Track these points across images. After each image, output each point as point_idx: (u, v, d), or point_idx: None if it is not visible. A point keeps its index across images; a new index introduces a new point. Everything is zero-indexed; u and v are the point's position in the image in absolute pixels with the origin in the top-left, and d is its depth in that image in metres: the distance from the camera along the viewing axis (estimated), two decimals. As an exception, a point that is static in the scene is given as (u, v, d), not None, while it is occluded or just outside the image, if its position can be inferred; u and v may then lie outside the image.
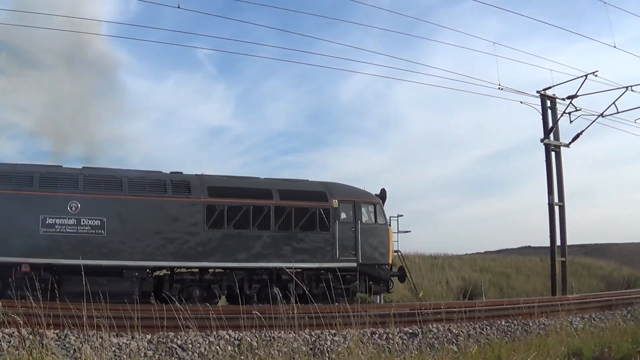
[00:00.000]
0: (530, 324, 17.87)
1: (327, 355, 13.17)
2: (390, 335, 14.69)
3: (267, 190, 24.70)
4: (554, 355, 11.93)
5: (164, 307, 12.86)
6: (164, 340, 12.14)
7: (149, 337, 12.21)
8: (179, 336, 12.48)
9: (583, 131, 31.08)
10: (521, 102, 30.53)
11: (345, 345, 12.86)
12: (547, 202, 30.70)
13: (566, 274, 30.10)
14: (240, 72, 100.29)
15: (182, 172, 24.66)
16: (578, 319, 19.48)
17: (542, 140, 30.89)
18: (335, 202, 25.39)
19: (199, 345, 12.31)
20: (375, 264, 25.72)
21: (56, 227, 21.44)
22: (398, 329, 15.24)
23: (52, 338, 11.07)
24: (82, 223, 21.74)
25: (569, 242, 31.56)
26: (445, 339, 15.30)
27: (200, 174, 24.90)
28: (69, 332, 11.40)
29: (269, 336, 13.07)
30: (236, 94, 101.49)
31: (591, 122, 30.94)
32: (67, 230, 21.51)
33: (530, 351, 12.01)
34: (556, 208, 30.45)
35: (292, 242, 24.51)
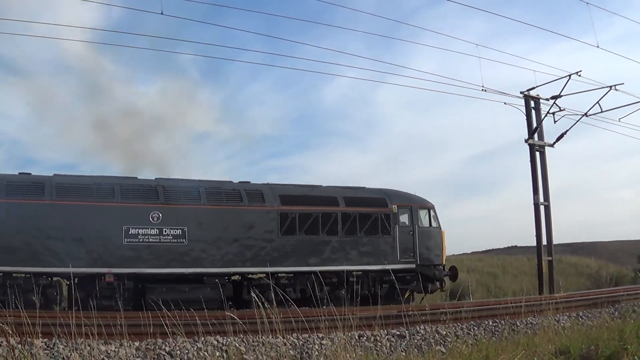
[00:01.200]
0: (518, 323, 18.05)
1: (315, 359, 13.36)
2: (377, 338, 14.91)
3: (333, 197, 26.48)
4: (542, 354, 11.94)
5: (150, 314, 12.91)
6: (152, 347, 12.28)
7: (137, 344, 12.32)
8: (167, 342, 12.60)
9: (567, 131, 31.49)
10: (505, 103, 30.82)
11: (333, 349, 13.05)
12: (532, 201, 31.04)
13: (553, 272, 30.42)
14: (225, 76, 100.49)
15: (249, 182, 26.27)
16: (565, 317, 19.64)
17: (526, 141, 31.21)
18: (394, 208, 27.32)
19: (187, 351, 12.42)
20: (431, 265, 27.56)
21: (139, 237, 22.70)
22: (385, 331, 15.42)
23: (40, 347, 11.21)
24: (164, 233, 23.08)
25: (555, 241, 31.92)
26: (433, 340, 15.50)
27: (266, 183, 26.55)
28: (57, 341, 11.54)
29: (257, 341, 13.22)
30: (220, 98, 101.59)
31: (575, 122, 31.37)
32: (150, 240, 22.81)
33: (517, 350, 12.08)
34: (542, 207, 30.76)
35: (358, 246, 26.28)
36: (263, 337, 13.31)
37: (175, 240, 23.30)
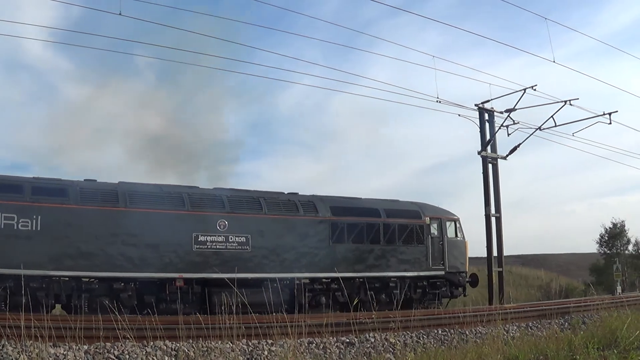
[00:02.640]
0: (467, 332, 18.44)
1: (264, 365, 13.63)
2: (327, 345, 15.16)
3: (375, 209, 28.99)
4: None
5: (102, 318, 13.05)
6: (101, 351, 12.42)
7: (86, 347, 12.43)
8: (115, 346, 12.74)
9: (520, 144, 31.90)
10: (459, 115, 31.22)
11: (282, 355, 13.29)
12: (484, 213, 31.54)
13: (503, 283, 30.90)
14: (180, 81, 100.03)
15: (297, 193, 28.30)
16: (515, 327, 20.07)
17: (479, 153, 31.65)
18: (427, 220, 30.08)
19: (135, 356, 12.60)
20: (456, 272, 30.41)
21: (207, 244, 24.38)
22: (335, 338, 15.65)
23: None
24: (230, 240, 24.87)
25: (506, 252, 32.58)
26: (382, 348, 15.81)
27: (314, 194, 28.64)
28: (6, 343, 11.63)
29: (206, 346, 13.43)
30: (175, 102, 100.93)
31: (529, 135, 31.73)
32: (217, 246, 24.54)
33: (466, 359, 12.44)
34: (493, 219, 31.29)
35: (396, 254, 28.81)
36: (212, 342, 13.56)
37: (240, 247, 25.09)
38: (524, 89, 30.07)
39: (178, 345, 13.35)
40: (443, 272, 29.83)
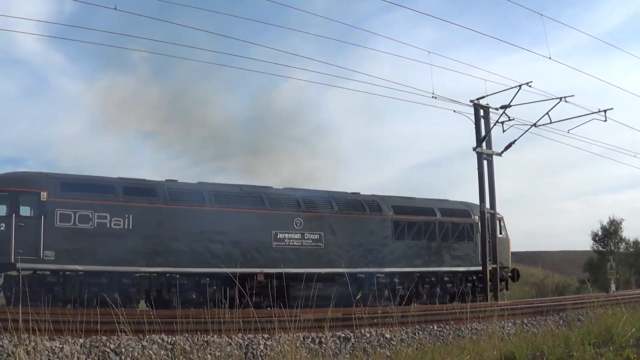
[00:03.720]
0: (463, 328, 18.61)
1: (261, 359, 13.71)
2: (322, 340, 15.25)
3: (431, 209, 31.75)
4: (487, 359, 12.39)
5: (99, 311, 13.16)
6: (97, 345, 12.48)
7: (82, 341, 12.48)
8: (112, 340, 12.80)
9: (515, 140, 32.25)
10: (454, 111, 31.41)
11: (279, 350, 13.38)
12: (479, 209, 31.68)
13: (498, 280, 31.08)
14: (174, 75, 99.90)
15: (359, 193, 30.86)
16: (510, 324, 20.24)
17: (474, 149, 31.82)
18: (476, 218, 32.72)
19: (132, 349, 12.67)
20: (502, 267, 32.83)
21: (285, 240, 26.89)
22: (331, 333, 15.74)
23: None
24: (305, 237, 27.41)
25: (501, 249, 32.74)
26: (378, 344, 15.92)
27: (373, 194, 31.18)
28: (3, 336, 11.69)
29: (203, 340, 13.52)
30: (169, 97, 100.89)
31: (524, 131, 32.13)
32: (294, 243, 27.10)
33: (463, 355, 12.47)
34: (488, 215, 31.45)
35: (450, 250, 31.77)
36: (208, 336, 13.66)
37: (314, 244, 27.62)
38: (519, 86, 30.26)
39: (174, 339, 13.42)
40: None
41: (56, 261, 22.27)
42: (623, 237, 60.56)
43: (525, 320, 21.63)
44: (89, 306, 19.23)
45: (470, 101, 31.97)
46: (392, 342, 15.97)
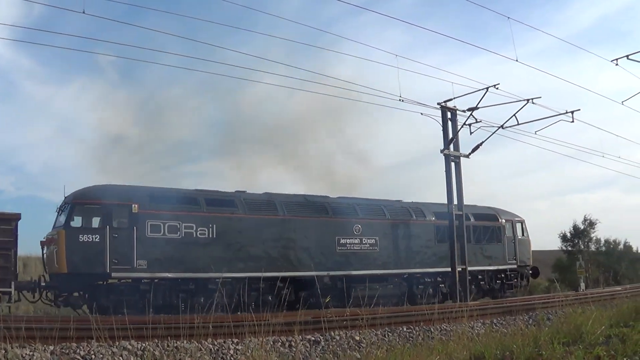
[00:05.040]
0: (432, 329, 18.89)
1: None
2: (292, 343, 15.48)
3: (465, 213, 33.66)
4: (457, 359, 12.55)
5: (73, 318, 13.32)
6: (67, 352, 12.61)
7: (52, 348, 12.61)
8: (81, 347, 12.93)
9: (483, 142, 32.74)
10: (422, 114, 31.69)
11: (249, 354, 13.57)
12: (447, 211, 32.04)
13: (467, 281, 31.43)
14: (142, 79, 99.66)
15: (401, 200, 34.03)
16: (479, 324, 20.56)
17: (442, 151, 32.20)
18: (503, 221, 36.90)
19: (101, 356, 12.81)
20: (524, 265, 37.43)
21: (347, 245, 29.58)
22: (301, 336, 15.95)
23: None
24: (363, 242, 30.15)
25: (470, 251, 33.25)
26: (348, 346, 16.14)
27: (412, 201, 34.42)
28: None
29: (173, 346, 13.69)
30: (137, 101, 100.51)
31: (491, 133, 32.63)
32: (354, 247, 29.82)
33: (432, 355, 12.60)
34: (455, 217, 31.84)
35: (482, 251, 35.17)
36: (179, 342, 13.84)
37: (371, 248, 30.36)
38: (487, 88, 30.66)
39: (144, 345, 13.57)
40: (515, 266, 36.59)
41: (148, 270, 24.17)
42: (592, 236, 61.33)
43: (495, 320, 21.97)
44: (175, 312, 22.43)
45: (438, 104, 32.22)
46: (362, 345, 16.19)
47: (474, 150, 32.95)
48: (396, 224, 31.82)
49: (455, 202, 32.14)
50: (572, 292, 34.27)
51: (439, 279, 32.72)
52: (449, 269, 32.18)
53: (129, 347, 13.47)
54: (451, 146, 32.32)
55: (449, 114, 32.55)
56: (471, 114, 32.26)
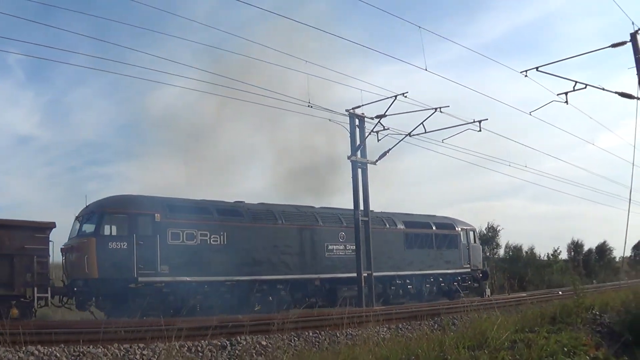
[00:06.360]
0: (338, 334, 19.31)
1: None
2: (199, 348, 15.75)
3: (428, 222, 40.46)
4: None
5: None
6: (-28, 357, 12.67)
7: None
8: (-14, 353, 13.00)
9: (390, 149, 33.60)
10: (330, 120, 32.31)
11: (155, 359, 13.85)
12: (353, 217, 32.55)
13: (373, 286, 32.02)
14: (50, 79, 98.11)
15: (373, 210, 35.17)
16: (385, 329, 21.06)
17: (349, 157, 32.80)
18: (459, 230, 42.04)
19: (7, 361, 12.91)
20: (477, 270, 42.60)
21: (333, 251, 33.38)
22: (207, 341, 16.24)
23: None
24: (347, 248, 33.86)
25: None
26: (254, 351, 16.47)
27: (382, 211, 38.22)
28: None
29: (79, 351, 13.85)
30: (44, 101, 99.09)
31: (398, 141, 33.45)
32: (339, 253, 33.71)
33: (338, 359, 13.08)
34: (362, 223, 32.52)
35: (443, 256, 40.00)
36: (84, 347, 14.01)
37: (353, 253, 32.95)
38: (395, 96, 31.31)
39: (51, 350, 13.67)
40: (469, 270, 41.61)
41: (170, 274, 26.66)
42: (499, 242, 63.02)
43: (400, 325, 22.52)
44: (193, 313, 25.32)
45: (346, 110, 32.85)
46: (268, 349, 16.52)
47: (381, 157, 33.76)
48: (375, 231, 34.28)
49: (362, 208, 32.66)
50: (478, 298, 35.18)
51: (407, 281, 37.13)
52: (418, 272, 37.69)
53: (36, 352, 13.57)
54: (358, 153, 33.00)
55: (357, 121, 33.30)
56: (379, 122, 32.98)
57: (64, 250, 26.83)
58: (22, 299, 24.04)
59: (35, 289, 24.04)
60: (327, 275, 32.55)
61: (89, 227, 26.68)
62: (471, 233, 43.49)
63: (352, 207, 33.59)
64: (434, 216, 42.24)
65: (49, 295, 24.66)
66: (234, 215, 30.28)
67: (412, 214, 40.87)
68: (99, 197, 28.19)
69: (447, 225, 41.69)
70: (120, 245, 25.91)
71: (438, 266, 39.42)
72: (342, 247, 33.88)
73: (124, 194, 29.13)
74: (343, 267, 33.25)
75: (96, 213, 26.73)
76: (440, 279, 39.61)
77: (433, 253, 39.37)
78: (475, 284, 42.47)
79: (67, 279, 26.43)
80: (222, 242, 28.94)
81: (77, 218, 27.68)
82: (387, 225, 37.17)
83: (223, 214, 29.79)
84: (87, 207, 27.61)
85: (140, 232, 26.40)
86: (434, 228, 40.20)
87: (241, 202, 31.98)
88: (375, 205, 34.74)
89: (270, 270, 30.40)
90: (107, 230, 26.73)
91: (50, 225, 25.19)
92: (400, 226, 38.16)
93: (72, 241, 26.80)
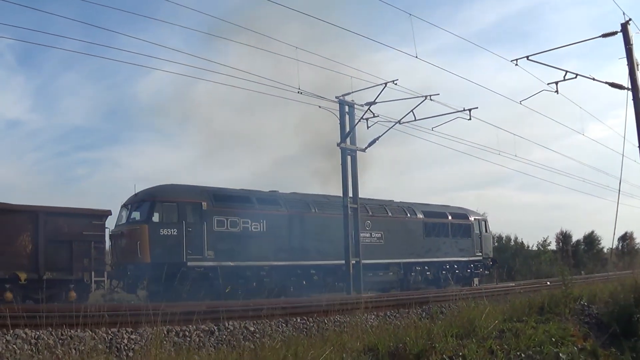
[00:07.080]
0: (326, 321, 19.41)
1: (125, 353, 14.18)
2: (186, 333, 15.81)
3: (444, 212, 43.70)
4: (350, 351, 12.70)
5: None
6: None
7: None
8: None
9: (379, 137, 33.82)
10: (320, 107, 32.48)
11: (142, 343, 13.91)
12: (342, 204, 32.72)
13: (360, 274, 32.20)
14: (40, 63, 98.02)
15: (393, 200, 41.21)
16: (374, 316, 21.17)
17: (338, 144, 33.17)
18: (472, 219, 45.47)
19: (-5, 344, 12.93)
20: (488, 257, 46.40)
21: (361, 238, 34.10)
22: (194, 326, 16.30)
23: None
24: (372, 235, 36.89)
25: (365, 244, 34.40)
26: (242, 336, 16.54)
27: (401, 201, 42.07)
28: None
29: (67, 335, 13.90)
30: (34, 86, 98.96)
31: (388, 128, 33.72)
32: (366, 240, 35.76)
33: (326, 346, 13.10)
34: (350, 210, 32.77)
35: (457, 245, 43.27)
36: (73, 330, 14.06)
37: (378, 240, 37.10)
38: (385, 83, 31.48)
39: (38, 333, 13.71)
40: (481, 257, 45.16)
41: (215, 259, 29.23)
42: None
43: (389, 313, 22.59)
44: (234, 296, 25.62)
45: (336, 97, 33.09)
46: (257, 335, 16.59)
47: (370, 144, 34.11)
48: (396, 220, 38.77)
49: (351, 195, 32.87)
50: (466, 287, 35.38)
51: (426, 267, 40.03)
52: (435, 259, 40.97)
53: (23, 335, 13.61)
54: (348, 140, 33.23)
55: (346, 108, 33.57)
56: (369, 109, 33.30)
57: (113, 237, 28.62)
58: (80, 283, 25.82)
59: (93, 273, 26.08)
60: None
61: (138, 215, 28.86)
62: (483, 223, 46.74)
63: (375, 196, 38.74)
64: (449, 206, 45.45)
65: (105, 279, 26.81)
66: (273, 204, 32.99)
67: (430, 204, 43.94)
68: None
69: (461, 215, 44.83)
70: (171, 231, 28.22)
71: (453, 254, 42.66)
72: (368, 234, 36.31)
73: (173, 184, 31.27)
74: (369, 254, 35.11)
75: (147, 201, 28.92)
76: (455, 266, 42.66)
77: (449, 241, 42.48)
78: (486, 272, 46.19)
79: (115, 264, 28.44)
80: (262, 229, 31.45)
81: (124, 205, 29.81)
82: (408, 215, 40.23)
83: (263, 202, 32.41)
84: (135, 195, 29.87)
85: (188, 220, 28.82)
86: (449, 218, 43.39)
87: (275, 191, 34.70)
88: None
89: (304, 256, 32.82)
90: (156, 217, 28.70)
91: (107, 213, 27.14)
92: (420, 215, 41.13)
93: (122, 227, 28.76)
